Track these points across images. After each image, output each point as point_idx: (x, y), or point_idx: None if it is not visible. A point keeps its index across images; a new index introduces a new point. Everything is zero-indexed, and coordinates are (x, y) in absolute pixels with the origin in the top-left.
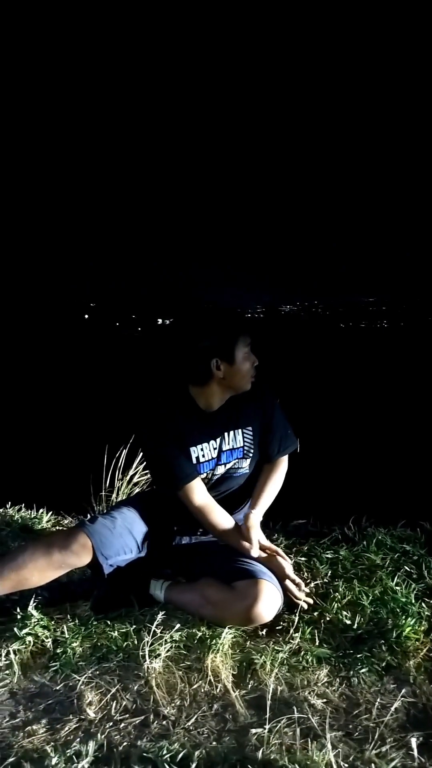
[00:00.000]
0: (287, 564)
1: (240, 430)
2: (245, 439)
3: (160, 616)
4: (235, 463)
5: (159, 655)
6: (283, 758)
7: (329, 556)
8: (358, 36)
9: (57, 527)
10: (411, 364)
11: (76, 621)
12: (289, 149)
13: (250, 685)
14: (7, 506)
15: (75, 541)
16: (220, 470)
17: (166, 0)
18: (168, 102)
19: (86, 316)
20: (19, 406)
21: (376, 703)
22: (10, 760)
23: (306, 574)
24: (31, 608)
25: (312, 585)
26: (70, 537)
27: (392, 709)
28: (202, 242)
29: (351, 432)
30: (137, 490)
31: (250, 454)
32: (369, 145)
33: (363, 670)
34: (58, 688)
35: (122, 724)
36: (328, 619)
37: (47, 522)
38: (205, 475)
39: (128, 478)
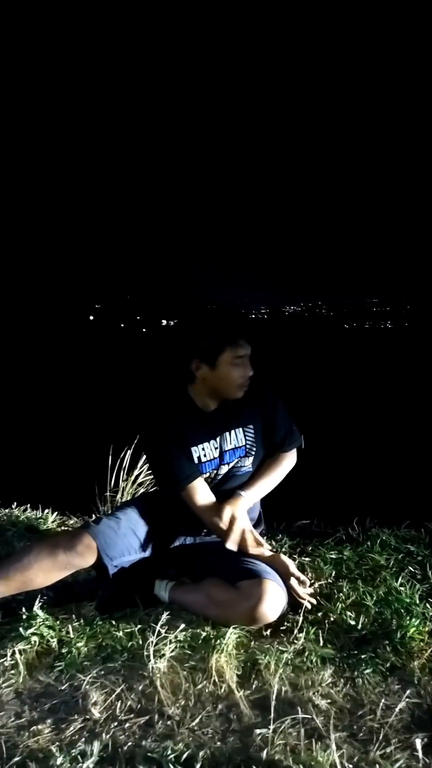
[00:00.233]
0: (291, 562)
1: (241, 429)
2: (247, 438)
3: (164, 617)
4: (237, 462)
5: (164, 655)
6: (287, 759)
7: (333, 556)
8: (358, 35)
9: (62, 527)
10: (414, 365)
11: (81, 621)
12: (289, 148)
13: (254, 686)
14: (13, 506)
15: (80, 542)
16: (224, 469)
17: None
18: (168, 102)
19: (91, 318)
20: (24, 407)
21: (381, 704)
22: (16, 759)
23: (310, 574)
24: (36, 608)
25: (316, 585)
26: (74, 538)
27: (397, 709)
28: (201, 242)
29: (355, 432)
30: (142, 490)
31: (253, 452)
32: (369, 143)
33: (367, 671)
34: (63, 688)
35: (127, 724)
36: (332, 619)
37: (52, 522)
38: (207, 474)
39: (133, 478)
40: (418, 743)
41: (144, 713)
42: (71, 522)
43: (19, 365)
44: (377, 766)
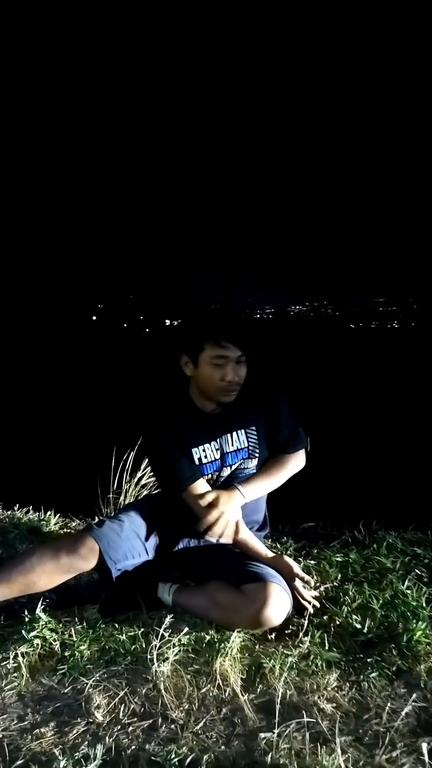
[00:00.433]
0: (294, 563)
1: (243, 430)
2: (250, 440)
3: (168, 620)
4: (241, 464)
5: (167, 658)
6: (292, 763)
7: (339, 559)
8: (358, 34)
9: (65, 529)
10: (421, 366)
11: (84, 624)
12: (289, 148)
13: (258, 689)
14: (15, 508)
15: (83, 545)
16: (226, 472)
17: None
18: (168, 102)
19: (94, 318)
20: (26, 408)
21: (387, 708)
22: (18, 762)
23: (315, 577)
24: (39, 611)
25: (321, 588)
26: (77, 541)
27: (403, 713)
28: (201, 242)
29: (361, 434)
30: (145, 492)
31: (256, 454)
32: (370, 141)
33: (373, 675)
34: (65, 691)
35: (130, 728)
36: (338, 623)
37: (55, 524)
38: (209, 476)
39: (136, 480)
40: (425, 747)
41: (147, 717)
42: (74, 524)
43: (23, 366)
44: None
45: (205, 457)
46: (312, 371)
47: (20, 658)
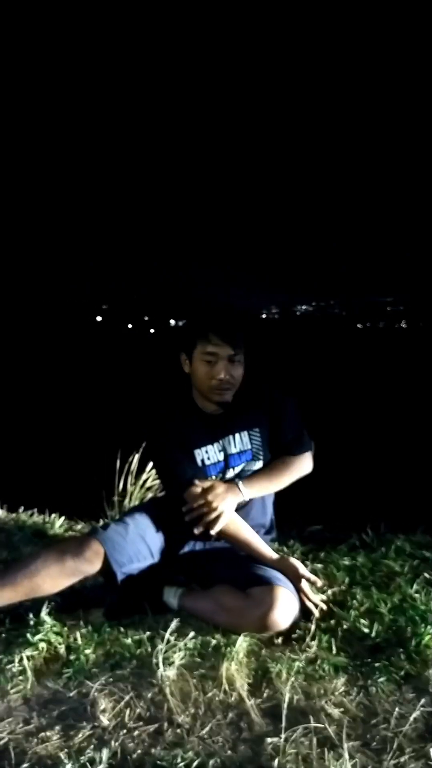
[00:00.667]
0: (300, 564)
1: (246, 432)
2: (253, 441)
3: (174, 624)
4: (245, 466)
5: (173, 662)
6: None
7: (347, 563)
8: (358, 34)
9: (69, 532)
10: (428, 367)
11: (90, 627)
12: (289, 148)
13: (265, 694)
14: (20, 511)
15: (88, 548)
16: (230, 474)
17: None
18: (169, 101)
19: (98, 318)
20: (31, 410)
21: (395, 713)
22: (24, 766)
23: (323, 580)
24: (44, 614)
25: (329, 592)
26: (82, 544)
27: (411, 718)
28: (201, 242)
29: (368, 436)
30: (150, 495)
31: (261, 456)
32: (370, 140)
33: (381, 680)
34: (71, 694)
35: (136, 732)
36: (345, 627)
37: (60, 527)
38: (213, 478)
39: (141, 482)
40: None
41: (153, 721)
42: (78, 527)
43: (27, 367)
44: None
45: (209, 458)
46: (319, 372)
47: (25, 662)
